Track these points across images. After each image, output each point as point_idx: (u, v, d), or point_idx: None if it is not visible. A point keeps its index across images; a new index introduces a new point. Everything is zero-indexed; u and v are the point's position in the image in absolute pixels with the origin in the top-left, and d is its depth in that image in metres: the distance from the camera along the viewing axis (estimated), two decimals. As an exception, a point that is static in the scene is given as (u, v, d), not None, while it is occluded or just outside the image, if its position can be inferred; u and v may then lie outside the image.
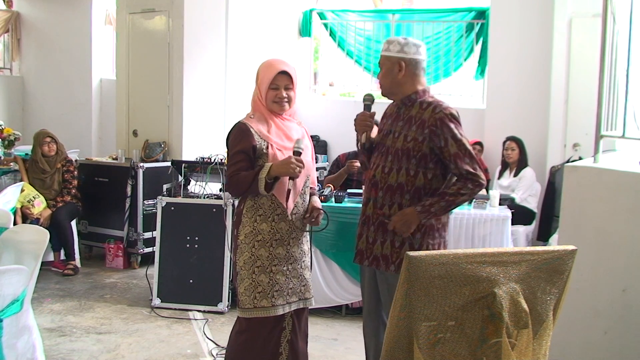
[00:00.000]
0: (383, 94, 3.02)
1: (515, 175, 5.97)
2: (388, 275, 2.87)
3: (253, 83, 2.98)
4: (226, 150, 3.00)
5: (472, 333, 1.92)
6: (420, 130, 2.82)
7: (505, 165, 6.11)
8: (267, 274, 2.87)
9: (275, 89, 2.87)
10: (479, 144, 6.36)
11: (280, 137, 2.91)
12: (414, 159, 2.82)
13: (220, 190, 5.07)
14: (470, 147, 2.84)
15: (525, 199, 5.85)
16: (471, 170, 2.79)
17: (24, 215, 5.56)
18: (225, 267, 4.74)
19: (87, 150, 8.05)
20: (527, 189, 5.88)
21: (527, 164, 6.01)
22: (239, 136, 2.86)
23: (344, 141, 6.64)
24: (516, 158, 6.00)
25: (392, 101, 3.05)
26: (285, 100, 2.89)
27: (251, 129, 2.85)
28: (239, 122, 2.92)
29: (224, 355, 3.30)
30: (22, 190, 5.52)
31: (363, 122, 2.98)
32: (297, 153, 2.81)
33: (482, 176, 2.83)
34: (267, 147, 2.85)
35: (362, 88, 8.42)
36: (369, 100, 3.03)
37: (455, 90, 7.59)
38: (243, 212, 2.90)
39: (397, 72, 2.89)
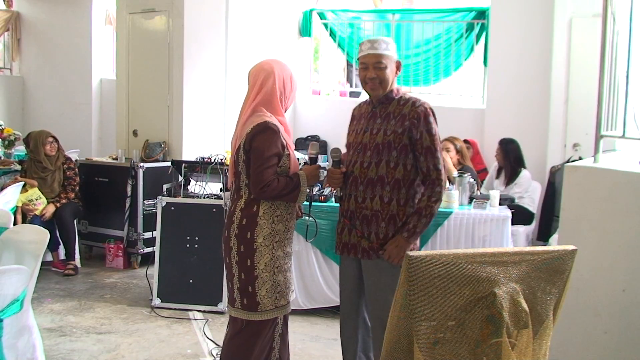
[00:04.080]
0: (375, 93, 3.04)
1: (508, 182, 5.84)
2: (376, 261, 2.99)
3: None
4: (244, 148, 2.84)
5: (472, 333, 1.92)
6: (400, 123, 2.96)
7: (500, 167, 6.06)
8: (283, 273, 2.91)
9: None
10: (466, 141, 6.26)
11: (289, 139, 2.95)
12: (395, 150, 2.94)
13: (220, 190, 5.07)
14: (440, 146, 2.99)
15: (521, 199, 5.78)
16: (438, 167, 2.95)
17: (24, 214, 5.57)
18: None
19: (87, 150, 8.04)
20: (522, 194, 5.80)
21: (518, 167, 5.83)
22: (273, 138, 2.81)
23: (343, 141, 6.63)
24: (501, 162, 5.94)
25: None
26: None
27: (280, 131, 2.85)
28: (266, 122, 2.82)
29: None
30: (26, 190, 5.55)
31: (337, 180, 3.08)
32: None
33: (444, 176, 2.98)
34: (287, 148, 2.88)
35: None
36: (337, 157, 3.07)
37: (455, 90, 7.58)
38: (259, 214, 2.85)
39: (395, 71, 3.04)
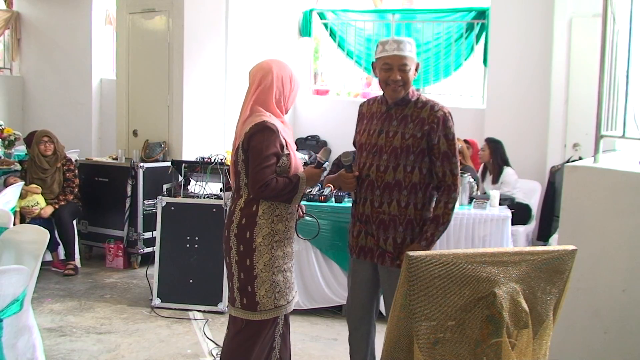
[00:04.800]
0: (396, 95, 2.95)
1: (494, 182, 5.85)
2: (393, 270, 2.93)
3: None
4: (243, 148, 2.85)
5: (472, 333, 1.92)
6: (419, 127, 2.89)
7: (485, 166, 6.06)
8: (283, 273, 2.90)
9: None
10: (466, 141, 6.24)
11: (289, 139, 2.94)
12: (412, 155, 2.89)
13: (220, 190, 5.08)
14: (457, 150, 2.95)
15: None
16: (455, 172, 2.92)
17: (22, 216, 5.56)
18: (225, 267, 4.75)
19: (87, 150, 8.04)
20: (512, 191, 5.79)
21: (503, 166, 5.86)
22: (271, 138, 2.80)
23: (343, 141, 6.63)
24: (487, 159, 5.94)
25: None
26: None
27: (280, 131, 2.84)
28: (264, 121, 2.82)
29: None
30: (24, 197, 5.56)
31: (350, 184, 3.02)
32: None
33: (459, 181, 2.96)
34: (287, 147, 2.87)
35: (363, 88, 8.41)
36: (349, 161, 3.02)
37: (456, 90, 7.59)
38: (259, 214, 2.85)
39: (414, 73, 2.97)
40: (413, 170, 2.90)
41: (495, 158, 5.90)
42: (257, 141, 2.80)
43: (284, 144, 2.86)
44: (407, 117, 2.93)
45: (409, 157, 2.89)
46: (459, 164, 2.95)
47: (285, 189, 2.83)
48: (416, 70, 2.98)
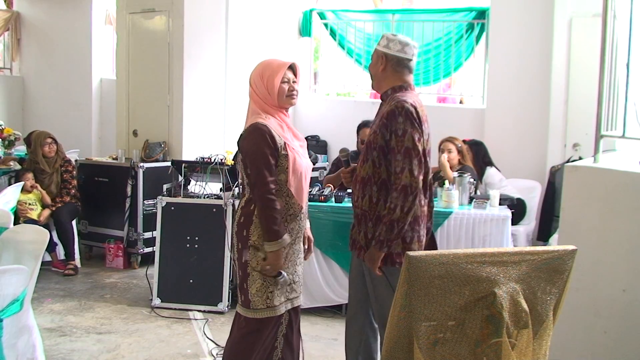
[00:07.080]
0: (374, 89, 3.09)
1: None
2: (364, 264, 2.98)
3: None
4: (238, 151, 2.94)
5: (472, 333, 1.92)
6: (378, 122, 2.91)
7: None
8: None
9: (286, 83, 2.91)
10: (465, 142, 6.17)
11: (291, 136, 2.94)
12: (374, 150, 2.87)
13: (220, 190, 5.08)
14: (412, 147, 2.76)
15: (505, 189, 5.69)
16: (397, 170, 2.77)
17: (17, 215, 5.55)
18: (225, 267, 4.75)
19: (87, 150, 8.04)
20: (499, 190, 5.74)
21: (485, 167, 5.80)
22: (261, 138, 2.79)
23: (343, 141, 6.64)
24: (471, 163, 5.90)
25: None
26: (295, 93, 2.94)
27: (272, 131, 2.83)
28: (256, 123, 2.83)
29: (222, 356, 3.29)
30: (28, 192, 5.56)
31: (345, 179, 3.05)
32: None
33: (407, 179, 2.75)
34: (285, 148, 2.85)
35: (362, 88, 8.42)
36: (345, 156, 3.03)
37: (455, 90, 7.58)
38: (255, 213, 2.85)
39: (379, 65, 2.96)
40: (380, 166, 2.86)
41: (477, 160, 5.86)
42: (249, 144, 2.82)
43: (282, 143, 2.85)
44: (379, 113, 2.98)
45: (372, 152, 2.88)
46: (412, 162, 2.75)
47: (274, 216, 2.77)
48: (387, 61, 2.93)
